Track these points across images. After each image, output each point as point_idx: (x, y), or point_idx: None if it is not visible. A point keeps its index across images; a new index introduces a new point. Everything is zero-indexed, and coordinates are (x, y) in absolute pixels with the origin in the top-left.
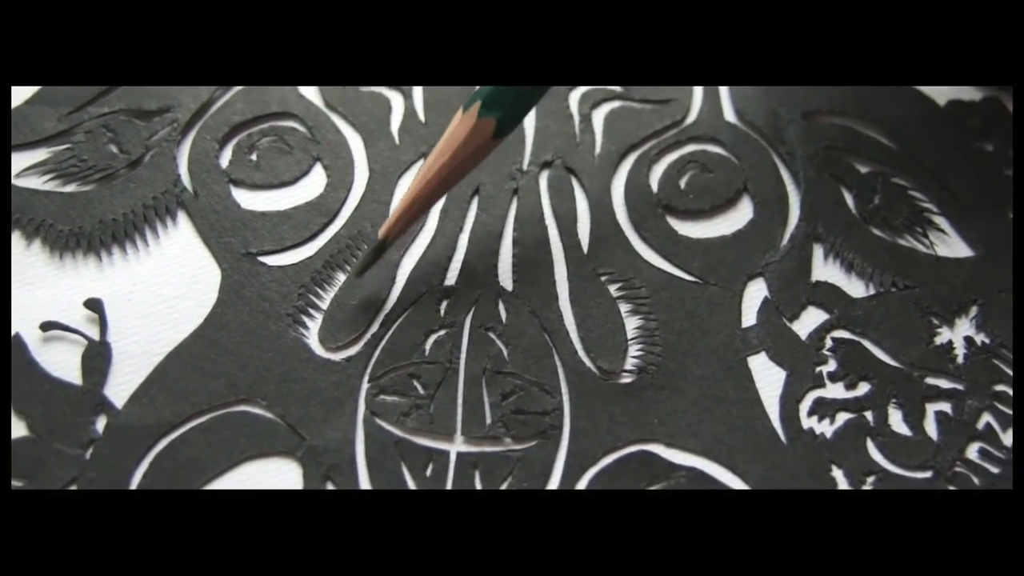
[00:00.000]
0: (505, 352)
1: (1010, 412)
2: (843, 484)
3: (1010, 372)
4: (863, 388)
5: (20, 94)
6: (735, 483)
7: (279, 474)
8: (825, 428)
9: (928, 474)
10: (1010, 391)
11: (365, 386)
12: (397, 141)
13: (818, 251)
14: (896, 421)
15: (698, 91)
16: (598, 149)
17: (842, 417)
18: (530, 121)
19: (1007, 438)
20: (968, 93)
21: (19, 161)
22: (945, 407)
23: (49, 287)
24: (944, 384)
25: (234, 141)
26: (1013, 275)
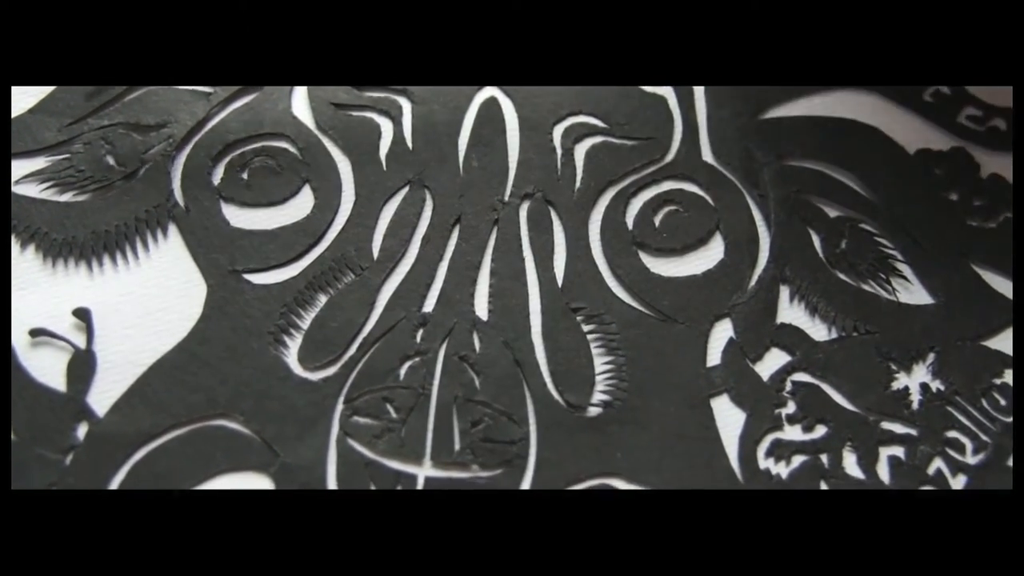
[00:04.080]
0: (477, 381)
1: (961, 458)
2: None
3: (963, 420)
4: (820, 431)
5: (23, 102)
6: None
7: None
8: (781, 469)
9: None
10: (962, 439)
11: (340, 407)
12: (384, 167)
13: (784, 293)
14: (850, 464)
15: (678, 130)
16: (578, 183)
17: (798, 459)
18: (513, 153)
19: (957, 483)
20: (937, 142)
21: (18, 168)
22: (898, 451)
23: (40, 293)
24: (898, 429)
25: (227, 159)
26: (1013, 276)
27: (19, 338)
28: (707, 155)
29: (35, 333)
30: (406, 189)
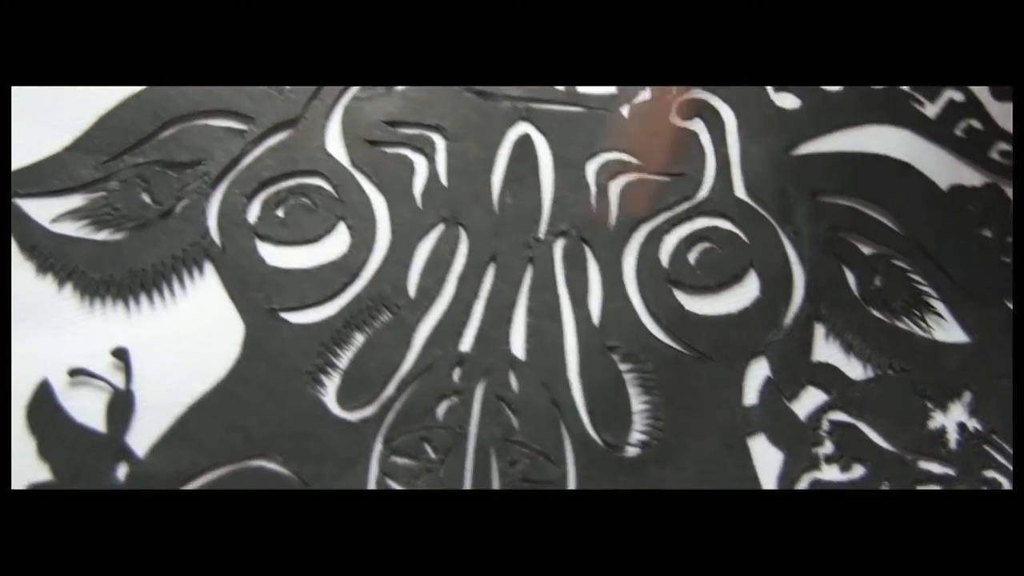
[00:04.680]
0: (514, 421)
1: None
2: None
3: (1001, 460)
4: (858, 471)
5: (59, 140)
6: None
7: None
8: None
9: None
10: (1000, 478)
11: (379, 447)
12: (420, 204)
13: (819, 331)
14: None
15: (710, 166)
16: (612, 221)
17: None
18: (548, 190)
19: None
20: (970, 178)
21: (55, 206)
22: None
23: (78, 332)
24: (936, 468)
25: (262, 197)
26: (1013, 277)
27: (58, 378)
28: (740, 191)
29: (74, 373)
30: (441, 227)
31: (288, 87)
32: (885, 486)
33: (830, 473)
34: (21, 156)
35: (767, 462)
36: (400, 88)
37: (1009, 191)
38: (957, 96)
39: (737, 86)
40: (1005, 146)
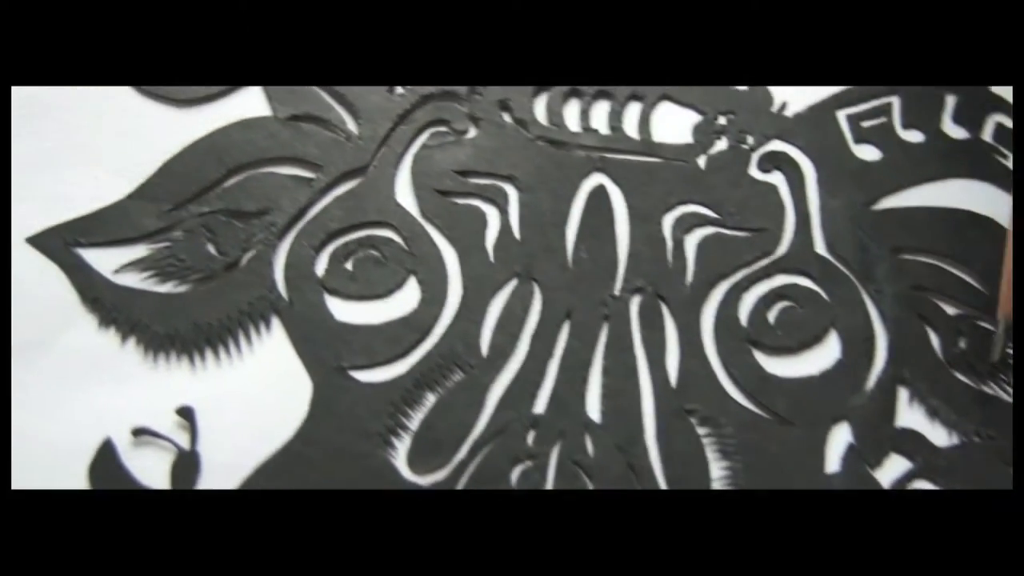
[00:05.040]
0: (590, 486)
1: None
2: None
3: None
4: None
5: (121, 188)
6: None
7: None
8: None
9: None
10: None
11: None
12: (492, 258)
13: (903, 395)
14: None
15: (790, 222)
16: (689, 277)
17: None
18: (623, 245)
19: None
20: None
21: (119, 256)
22: None
23: (141, 389)
24: None
25: (330, 249)
26: (1013, 272)
27: (121, 436)
28: (820, 247)
29: (138, 432)
30: (514, 282)
31: (356, 134)
32: None
33: None
34: (83, 204)
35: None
36: (470, 136)
37: None
38: None
39: (742, 86)
40: None
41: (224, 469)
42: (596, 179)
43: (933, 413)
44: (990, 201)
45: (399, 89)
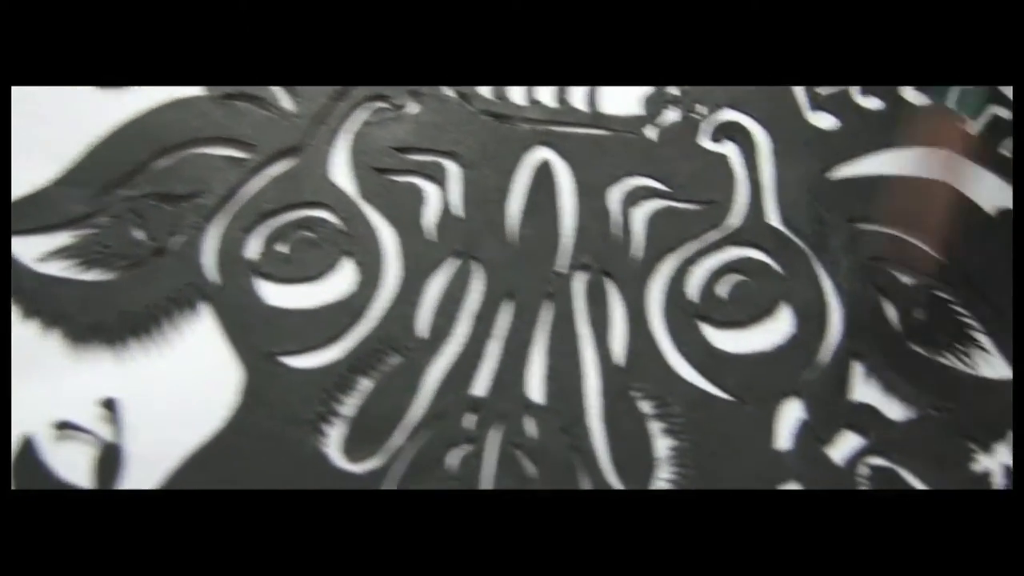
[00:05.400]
0: (531, 470)
1: None
2: None
3: None
4: None
5: (47, 172)
6: None
7: None
8: None
9: None
10: None
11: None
12: (432, 237)
13: (857, 369)
14: None
15: (742, 193)
16: (637, 252)
17: None
18: (569, 221)
19: None
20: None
21: (42, 245)
22: None
23: (65, 381)
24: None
25: (263, 231)
26: (1013, 272)
27: (44, 430)
28: (773, 218)
29: (61, 426)
30: (455, 261)
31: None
32: None
33: None
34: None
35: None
36: (411, 111)
37: None
38: (1002, 112)
39: (765, 98)
40: None
41: (150, 461)
42: (541, 153)
43: (889, 387)
44: (947, 167)
45: None
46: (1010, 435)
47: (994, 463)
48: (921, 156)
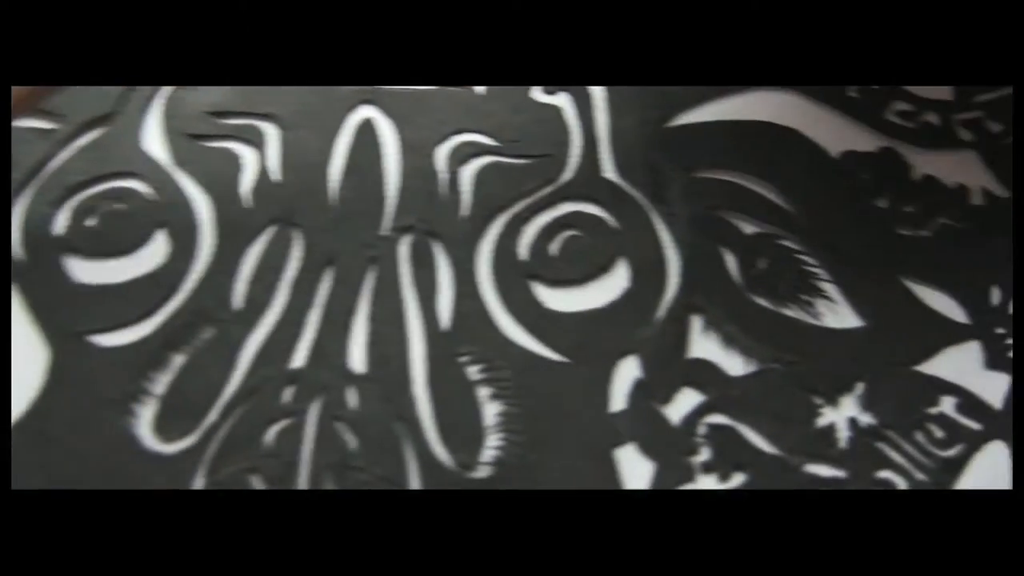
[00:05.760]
0: (354, 443)
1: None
2: None
3: (897, 458)
4: (737, 479)
5: None
6: None
7: None
8: None
9: None
10: (896, 478)
11: (200, 482)
12: (248, 203)
13: (696, 324)
14: None
15: (576, 144)
16: (465, 211)
17: None
18: (392, 181)
19: None
20: (863, 143)
21: None
22: None
23: None
24: (824, 472)
25: (71, 204)
26: (1013, 273)
27: None
28: (609, 171)
29: None
30: (272, 228)
31: None
32: None
33: (707, 484)
34: None
35: (637, 475)
36: None
37: (906, 154)
38: None
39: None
40: (904, 105)
41: None
42: (364, 112)
43: (728, 341)
44: (792, 110)
45: None
46: (858, 387)
47: (840, 417)
48: (763, 100)
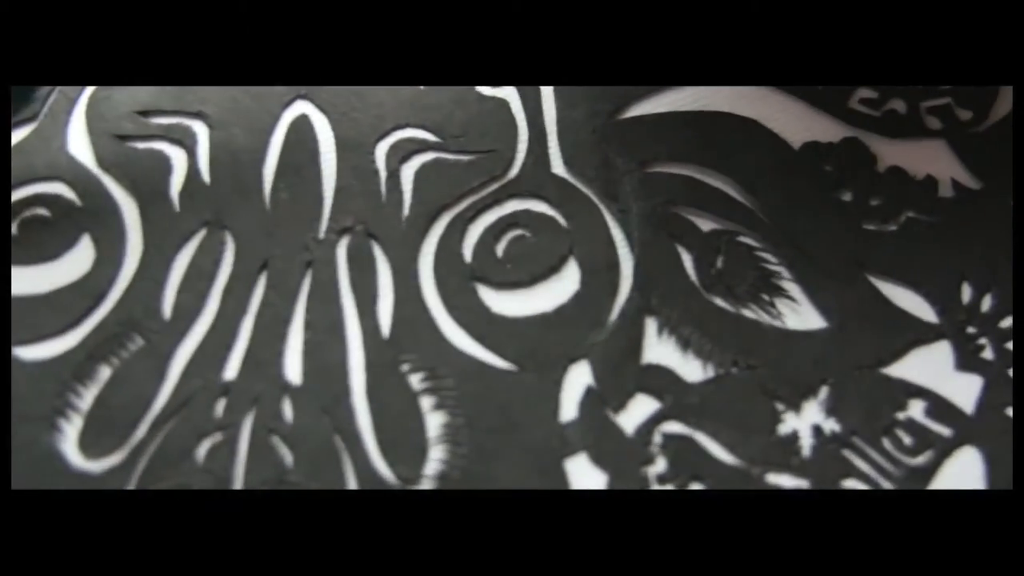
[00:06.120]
0: (289, 458)
1: None
2: None
3: (862, 467)
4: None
5: None
6: None
7: None
8: None
9: None
10: (861, 487)
11: None
12: (177, 207)
13: (651, 327)
14: None
15: (523, 138)
16: (406, 211)
17: None
18: (329, 181)
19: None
20: (826, 133)
21: None
22: None
23: None
24: (787, 482)
25: None
26: (1013, 273)
27: None
28: (557, 166)
29: None
30: (203, 232)
31: None
32: None
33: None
34: None
35: (588, 486)
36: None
37: (872, 144)
38: None
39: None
40: (867, 93)
41: None
42: (299, 108)
43: (685, 344)
44: (751, 100)
45: None
46: (822, 391)
47: (803, 424)
48: (720, 89)
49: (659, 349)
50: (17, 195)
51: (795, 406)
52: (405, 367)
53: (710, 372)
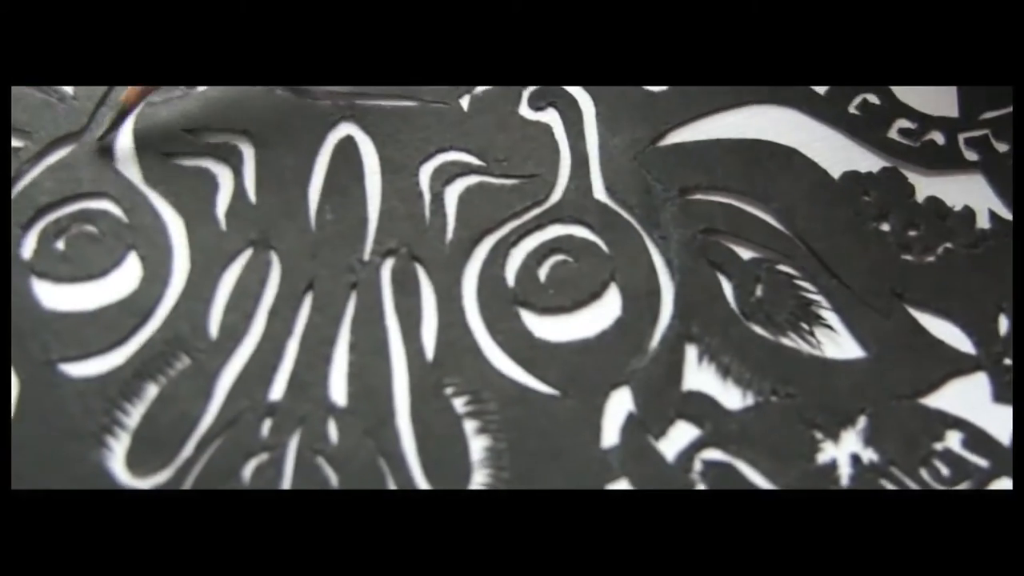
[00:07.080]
0: (334, 479)
1: None
2: None
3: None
4: None
5: None
6: None
7: None
8: None
9: None
10: None
11: None
12: (224, 226)
13: (691, 354)
14: None
15: (565, 164)
16: (449, 235)
17: None
18: (374, 203)
19: None
20: (865, 163)
21: None
22: None
23: None
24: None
25: (40, 226)
26: (1013, 273)
27: None
28: (599, 192)
29: None
30: (249, 252)
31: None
32: None
33: None
34: None
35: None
36: (201, 88)
37: (910, 175)
38: None
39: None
40: (906, 123)
41: None
42: (344, 129)
43: (725, 372)
44: (791, 128)
45: None
46: (861, 421)
47: (842, 453)
48: (760, 117)
49: (699, 376)
50: (64, 211)
51: (833, 435)
52: (449, 390)
53: (749, 400)
